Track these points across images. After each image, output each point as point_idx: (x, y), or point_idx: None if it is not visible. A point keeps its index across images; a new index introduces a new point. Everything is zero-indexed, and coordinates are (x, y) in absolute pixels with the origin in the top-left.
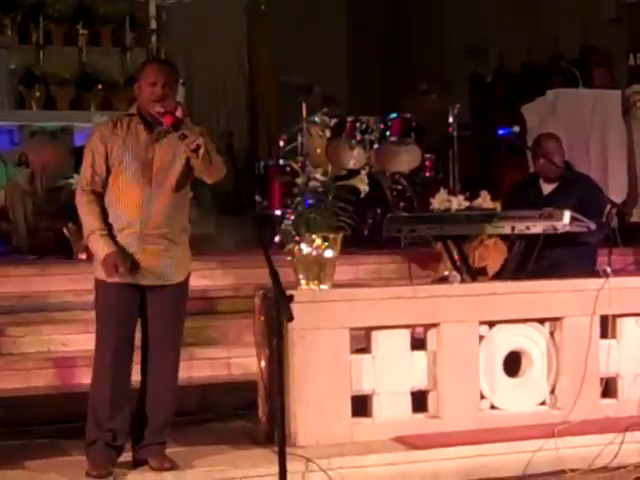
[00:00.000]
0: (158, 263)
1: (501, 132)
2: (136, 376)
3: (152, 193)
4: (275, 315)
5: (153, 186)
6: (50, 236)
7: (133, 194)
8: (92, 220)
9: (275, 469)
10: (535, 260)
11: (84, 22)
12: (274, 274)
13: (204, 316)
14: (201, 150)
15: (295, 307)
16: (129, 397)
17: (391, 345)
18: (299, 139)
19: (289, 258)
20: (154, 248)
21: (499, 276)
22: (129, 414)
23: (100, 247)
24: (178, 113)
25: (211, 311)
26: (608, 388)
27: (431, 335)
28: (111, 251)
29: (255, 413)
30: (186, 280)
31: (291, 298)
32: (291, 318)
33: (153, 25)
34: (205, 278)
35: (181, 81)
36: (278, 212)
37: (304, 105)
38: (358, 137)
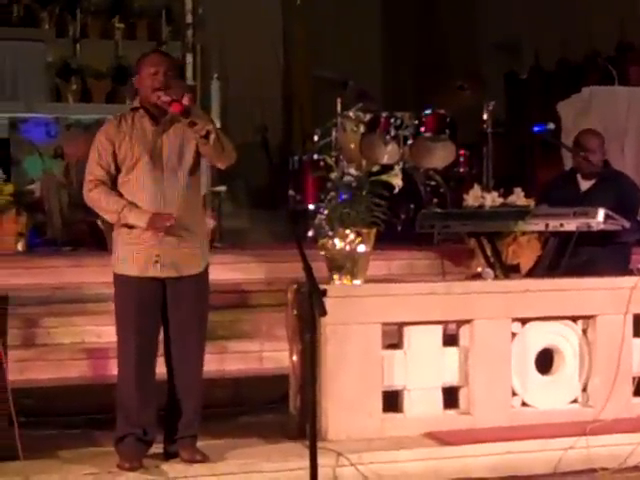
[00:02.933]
0: (177, 254)
1: (536, 129)
2: (160, 368)
3: (165, 184)
4: (308, 309)
5: (166, 177)
6: (84, 228)
7: (147, 188)
8: (114, 200)
9: (306, 463)
10: (568, 257)
11: (120, 16)
12: (308, 268)
13: (237, 309)
14: (212, 136)
15: (328, 302)
16: (156, 391)
17: (423, 341)
18: (333, 134)
19: (322, 253)
20: (172, 239)
21: (532, 273)
22: (157, 407)
23: (137, 216)
24: (185, 100)
25: (244, 304)
26: None
27: (463, 331)
28: (151, 213)
29: (286, 407)
30: (206, 270)
31: (324, 293)
32: (324, 313)
33: (189, 19)
34: (238, 271)
35: (216, 75)
36: (312, 207)
37: (339, 100)
38: (392, 133)
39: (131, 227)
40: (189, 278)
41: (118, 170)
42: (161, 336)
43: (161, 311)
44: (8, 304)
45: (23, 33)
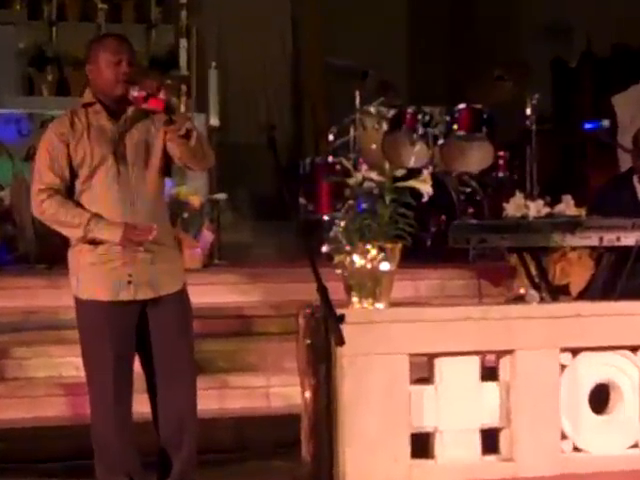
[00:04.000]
0: (152, 271)
1: (588, 126)
2: (142, 407)
3: (134, 191)
4: (323, 338)
5: (132, 183)
6: (61, 242)
7: (112, 195)
8: (76, 213)
9: None
10: (627, 277)
11: None
12: (322, 290)
13: (239, 338)
14: (194, 133)
15: (346, 329)
16: (134, 431)
17: (457, 375)
18: (351, 132)
19: (339, 271)
20: (145, 254)
21: (584, 295)
22: (137, 451)
23: (108, 230)
24: (162, 95)
25: (247, 332)
26: None
27: (504, 364)
28: (123, 225)
29: (298, 451)
30: (184, 287)
31: (342, 319)
32: (342, 342)
33: None
34: (241, 293)
35: (214, 64)
36: (326, 217)
37: (357, 93)
38: (420, 131)
39: (95, 243)
40: (169, 297)
41: (73, 176)
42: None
43: (136, 339)
44: None
45: None
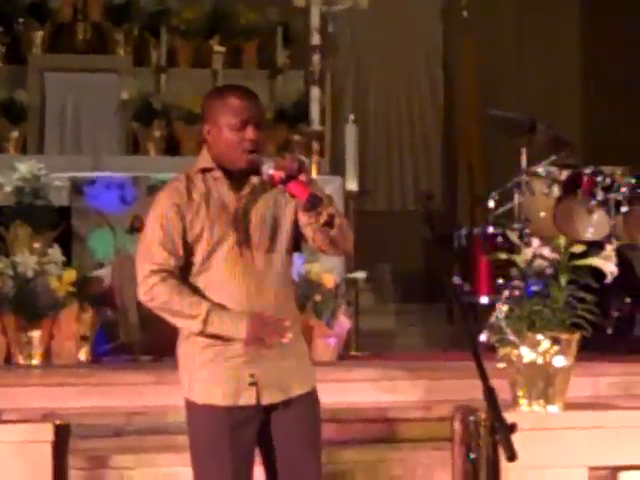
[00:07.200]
0: (279, 370)
1: None
2: None
3: (258, 276)
4: (487, 450)
5: (257, 265)
6: (170, 330)
7: (233, 281)
8: (192, 302)
9: None
10: None
11: (220, 36)
12: (489, 392)
13: (382, 445)
14: (337, 221)
15: (516, 437)
16: None
17: None
18: (516, 198)
19: (501, 365)
20: (270, 351)
21: None
22: None
23: (231, 324)
24: (304, 177)
25: (392, 438)
26: None
27: None
28: (248, 318)
29: None
30: (314, 387)
31: (514, 429)
32: (514, 457)
33: (316, 40)
34: (383, 391)
35: (352, 118)
36: (485, 300)
37: (524, 151)
38: (600, 196)
39: (212, 337)
40: (299, 400)
41: (188, 254)
42: None
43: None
44: (69, 436)
45: (90, 61)
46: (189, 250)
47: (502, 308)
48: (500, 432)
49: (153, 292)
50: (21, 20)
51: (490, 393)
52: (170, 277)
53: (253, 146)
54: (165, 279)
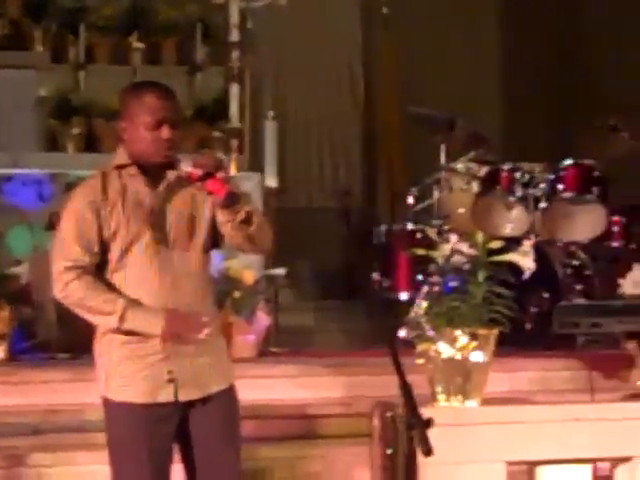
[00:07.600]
0: (197, 366)
1: None
2: None
3: (175, 273)
4: (404, 445)
5: (174, 262)
6: (88, 327)
7: (149, 277)
8: (108, 298)
9: None
10: None
11: (139, 33)
12: (406, 388)
13: (302, 442)
14: (255, 218)
15: (433, 433)
16: None
17: None
18: (435, 195)
19: (420, 361)
20: (187, 348)
21: None
22: None
23: (148, 320)
24: (222, 175)
25: (311, 435)
26: None
27: (621, 474)
28: (164, 312)
29: None
30: (233, 384)
31: (429, 424)
32: (429, 452)
33: (235, 36)
34: (302, 388)
35: (271, 114)
36: (404, 296)
37: (443, 148)
38: (518, 192)
39: (129, 333)
40: (217, 397)
41: (105, 251)
42: None
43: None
44: None
45: (7, 58)
46: (105, 247)
47: (421, 304)
48: (416, 427)
49: (68, 289)
50: None
51: (406, 389)
52: (85, 274)
53: (168, 145)
54: (80, 276)
